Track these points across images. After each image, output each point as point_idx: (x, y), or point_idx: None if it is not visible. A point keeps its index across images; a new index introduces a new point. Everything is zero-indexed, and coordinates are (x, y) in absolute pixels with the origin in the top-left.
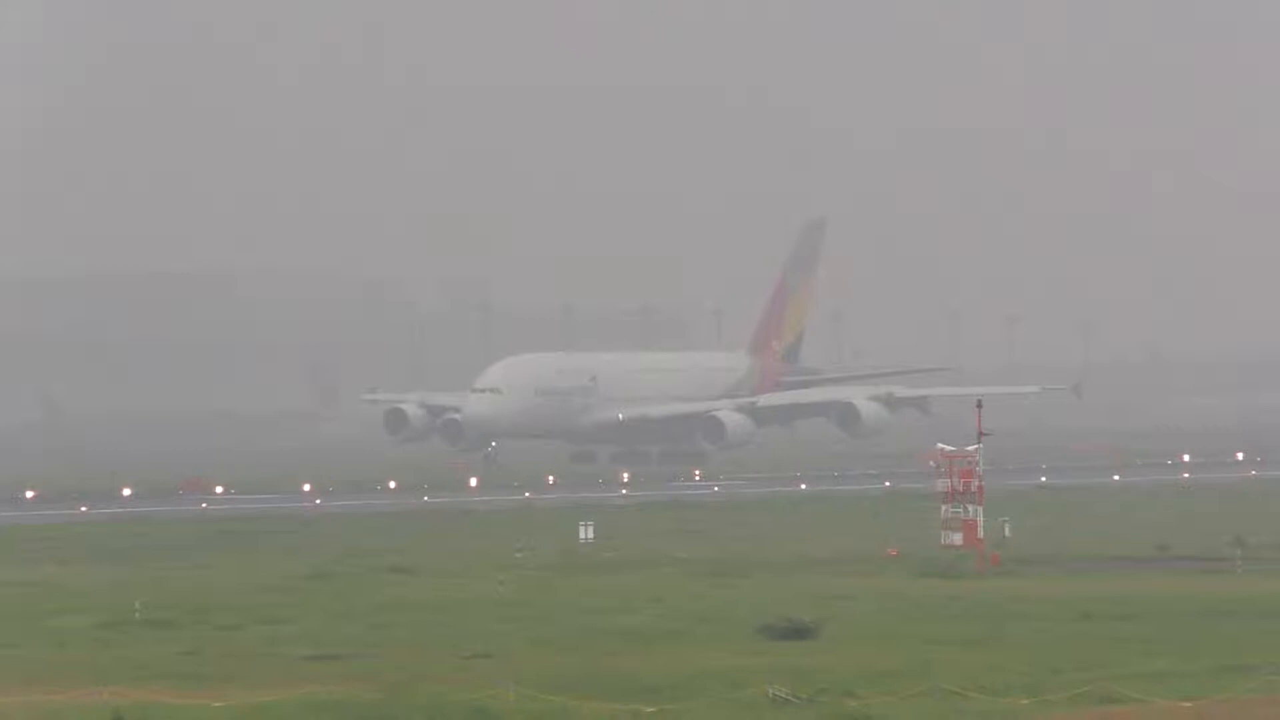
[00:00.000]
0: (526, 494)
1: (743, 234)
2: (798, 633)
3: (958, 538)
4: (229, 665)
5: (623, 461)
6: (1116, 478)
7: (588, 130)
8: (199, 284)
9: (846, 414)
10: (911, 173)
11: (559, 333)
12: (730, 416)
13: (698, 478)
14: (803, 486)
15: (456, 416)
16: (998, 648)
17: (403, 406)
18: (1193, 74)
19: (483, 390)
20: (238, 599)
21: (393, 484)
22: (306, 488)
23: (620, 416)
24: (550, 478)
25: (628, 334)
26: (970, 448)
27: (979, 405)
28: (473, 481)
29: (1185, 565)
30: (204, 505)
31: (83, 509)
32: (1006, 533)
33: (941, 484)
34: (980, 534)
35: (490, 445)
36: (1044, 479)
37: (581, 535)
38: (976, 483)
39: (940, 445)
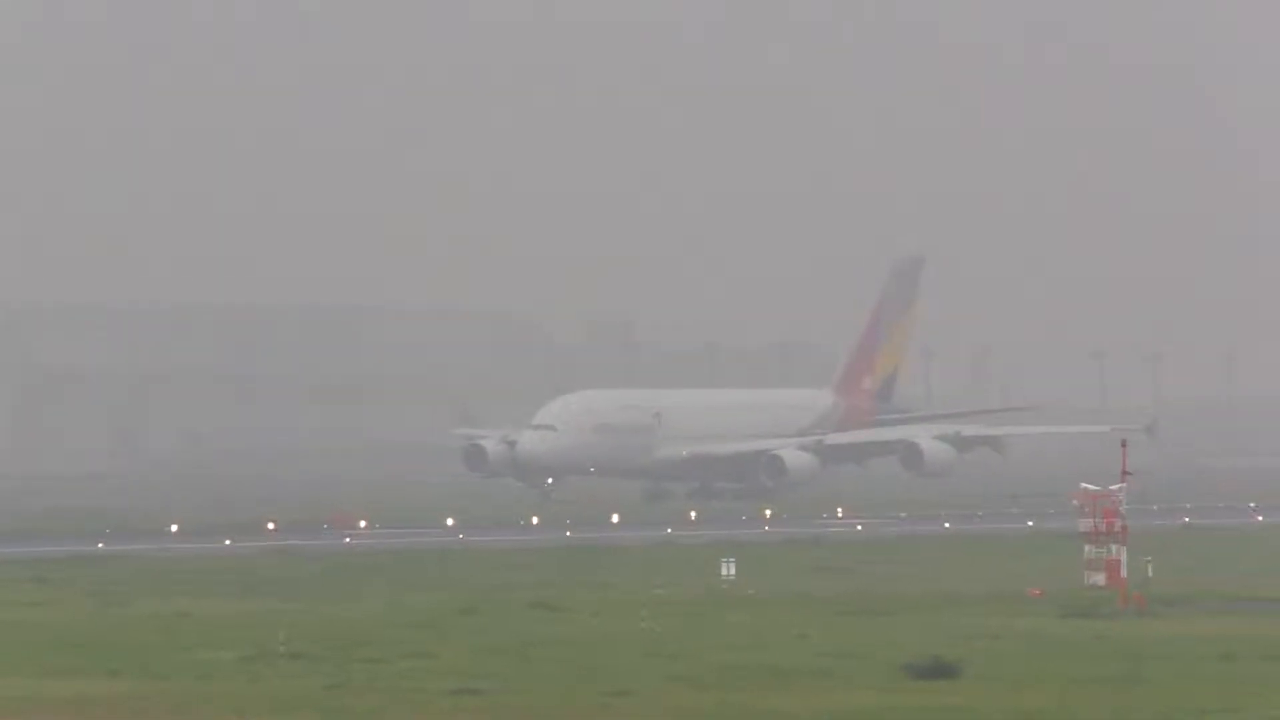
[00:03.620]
0: (668, 530)
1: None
2: (941, 671)
3: (1101, 578)
4: (373, 698)
5: (698, 498)
6: (1260, 518)
7: (728, 171)
8: (344, 317)
9: (910, 453)
10: (1057, 215)
11: (702, 369)
12: (792, 454)
13: (840, 515)
14: (946, 525)
15: None
16: (1141, 688)
17: (482, 443)
18: None
19: (538, 427)
20: (382, 633)
21: (535, 519)
22: (450, 522)
23: (684, 453)
24: (692, 514)
25: (768, 370)
26: (1114, 487)
27: (1124, 445)
28: (614, 518)
29: None
30: (348, 539)
31: (227, 542)
32: (1150, 573)
33: (1084, 524)
34: (1123, 574)
35: (547, 481)
36: (1188, 519)
37: (723, 572)
38: (1120, 522)
39: (1084, 485)
